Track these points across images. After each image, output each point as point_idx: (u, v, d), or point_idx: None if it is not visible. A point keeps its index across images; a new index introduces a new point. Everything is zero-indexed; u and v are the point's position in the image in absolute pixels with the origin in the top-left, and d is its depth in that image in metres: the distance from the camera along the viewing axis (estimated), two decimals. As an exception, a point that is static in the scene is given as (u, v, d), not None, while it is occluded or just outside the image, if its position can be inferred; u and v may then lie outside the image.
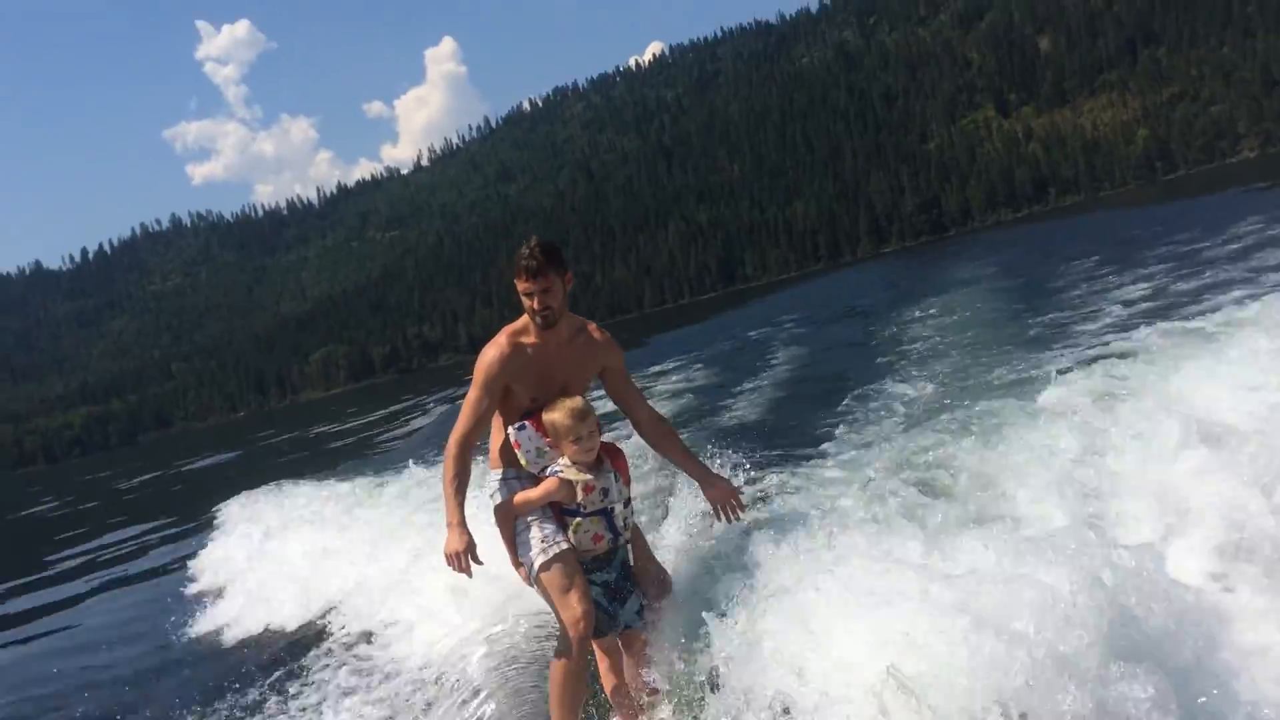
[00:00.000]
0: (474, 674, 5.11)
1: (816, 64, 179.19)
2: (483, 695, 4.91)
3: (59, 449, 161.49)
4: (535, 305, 3.94)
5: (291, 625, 7.76)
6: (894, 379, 10.43)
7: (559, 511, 3.99)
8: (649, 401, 4.47)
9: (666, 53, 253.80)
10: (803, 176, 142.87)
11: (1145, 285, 13.86)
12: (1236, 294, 9.99)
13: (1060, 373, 7.43)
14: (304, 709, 5.92)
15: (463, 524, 3.89)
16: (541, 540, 3.91)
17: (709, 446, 6.66)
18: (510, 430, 4.07)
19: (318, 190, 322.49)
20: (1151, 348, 7.72)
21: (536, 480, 4.02)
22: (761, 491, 5.90)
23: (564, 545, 3.91)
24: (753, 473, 6.33)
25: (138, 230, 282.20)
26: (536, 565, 3.89)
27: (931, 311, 17.09)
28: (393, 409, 38.90)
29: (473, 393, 4.02)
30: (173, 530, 18.05)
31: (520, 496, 3.98)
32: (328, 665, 6.52)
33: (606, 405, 4.54)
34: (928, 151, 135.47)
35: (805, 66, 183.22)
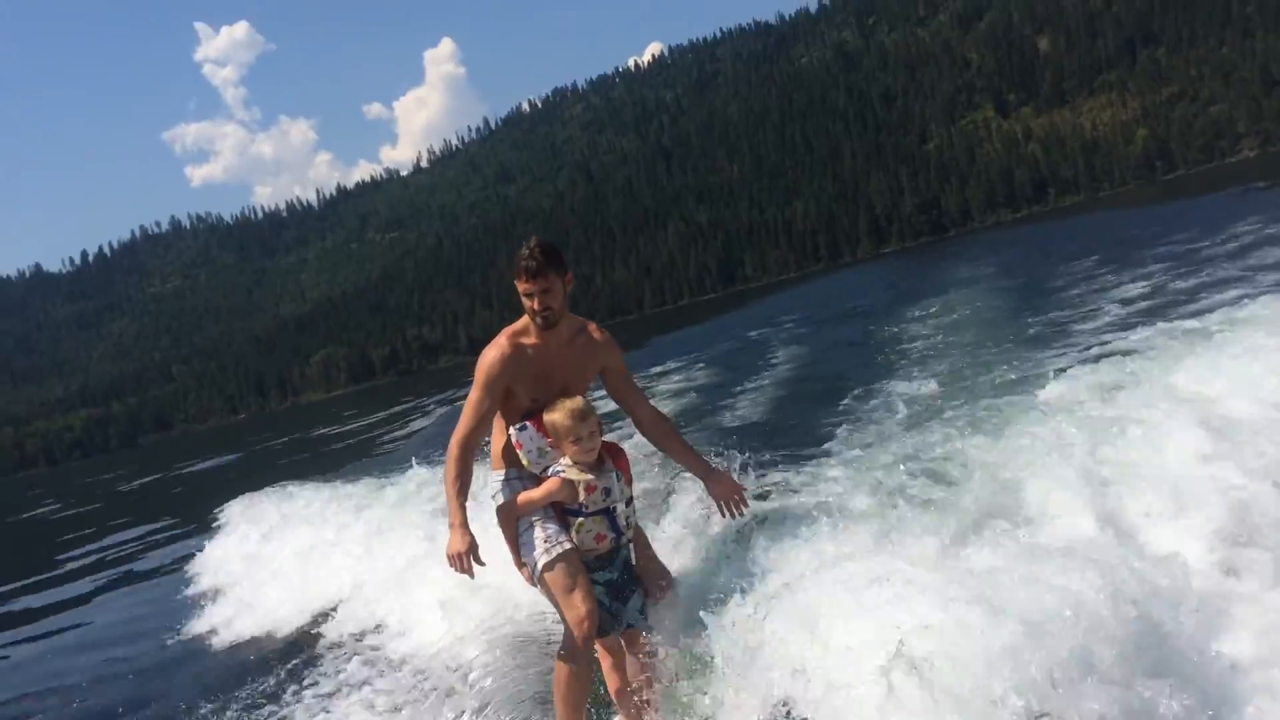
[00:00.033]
0: (477, 673, 5.12)
1: (816, 64, 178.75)
2: (485, 695, 4.93)
3: (59, 452, 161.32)
4: (535, 306, 3.96)
5: (294, 624, 7.78)
6: (895, 378, 10.43)
7: (561, 511, 4.00)
8: (650, 401, 4.47)
9: (666, 53, 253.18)
10: (802, 177, 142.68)
11: (1144, 284, 13.87)
12: (1234, 293, 10.00)
13: (1060, 371, 7.43)
14: (319, 697, 5.98)
15: (465, 525, 3.90)
16: (544, 540, 3.92)
17: (711, 446, 6.65)
18: (511, 431, 4.09)
19: (317, 192, 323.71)
20: (1153, 345, 7.73)
21: (538, 480, 4.04)
22: (764, 489, 5.90)
23: (567, 545, 3.92)
24: (755, 471, 6.33)
25: (137, 232, 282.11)
26: (540, 565, 3.91)
27: (931, 311, 17.10)
28: (392, 410, 38.97)
29: (474, 394, 4.03)
30: (176, 531, 18.14)
31: (522, 497, 4.00)
32: (336, 659, 6.56)
33: (608, 405, 4.55)
34: (927, 152, 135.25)
35: (804, 67, 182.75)
